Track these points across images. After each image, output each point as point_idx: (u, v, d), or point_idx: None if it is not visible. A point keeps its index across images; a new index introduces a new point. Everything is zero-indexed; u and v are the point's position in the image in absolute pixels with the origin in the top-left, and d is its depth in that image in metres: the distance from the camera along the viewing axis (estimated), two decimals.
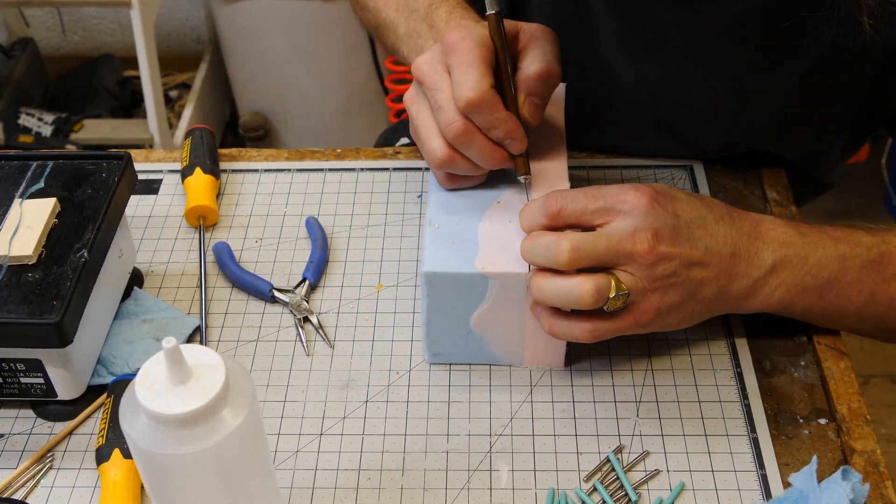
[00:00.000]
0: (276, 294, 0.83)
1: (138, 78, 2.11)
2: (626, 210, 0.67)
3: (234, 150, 0.99)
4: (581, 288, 0.66)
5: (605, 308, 0.67)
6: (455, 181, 0.77)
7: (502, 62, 0.73)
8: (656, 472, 0.70)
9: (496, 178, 0.78)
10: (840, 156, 1.00)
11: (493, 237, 0.73)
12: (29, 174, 0.79)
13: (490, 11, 0.73)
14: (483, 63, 0.71)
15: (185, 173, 0.92)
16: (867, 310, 0.73)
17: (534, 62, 0.74)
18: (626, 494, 0.68)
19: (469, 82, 0.70)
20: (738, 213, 0.72)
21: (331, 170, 0.96)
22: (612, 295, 0.66)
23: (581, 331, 0.69)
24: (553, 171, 0.77)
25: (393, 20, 0.89)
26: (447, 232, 0.73)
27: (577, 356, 0.77)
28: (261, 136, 2.34)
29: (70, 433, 0.74)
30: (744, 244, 0.70)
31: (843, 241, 0.72)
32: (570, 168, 0.78)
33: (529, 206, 0.71)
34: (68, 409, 0.75)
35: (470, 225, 0.74)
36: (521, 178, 0.76)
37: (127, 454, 0.68)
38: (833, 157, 0.99)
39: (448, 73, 0.73)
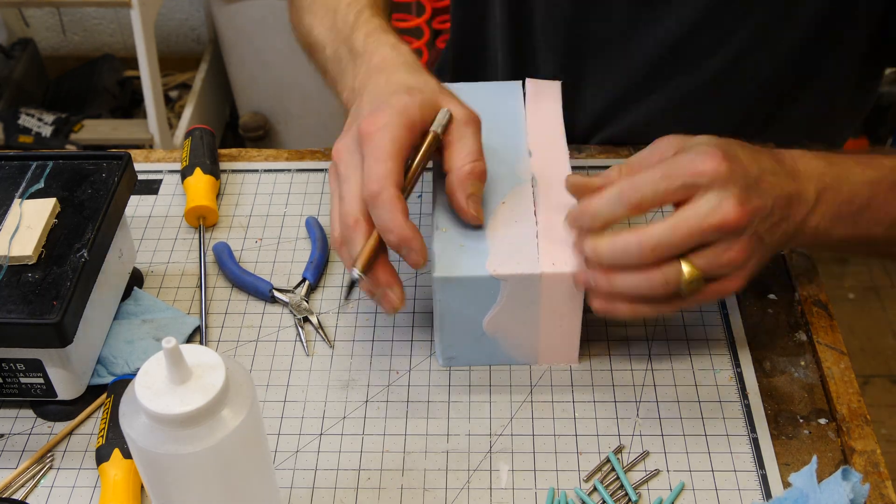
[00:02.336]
0: (276, 294, 0.83)
1: (138, 78, 2.11)
2: (706, 183, 0.65)
3: (234, 150, 0.99)
4: (652, 280, 0.66)
5: (681, 293, 0.66)
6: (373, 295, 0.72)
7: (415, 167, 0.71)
8: (656, 472, 0.70)
9: (498, 180, 0.77)
10: (851, 114, 1.02)
11: (502, 239, 0.72)
12: (29, 174, 0.79)
13: (432, 129, 0.72)
14: (392, 158, 0.69)
15: (185, 173, 0.92)
16: (894, 230, 0.73)
17: (464, 162, 0.72)
18: (626, 494, 0.68)
19: (372, 176, 0.68)
20: (778, 155, 0.71)
21: None
22: (685, 279, 0.65)
23: (668, 308, 0.69)
24: (556, 171, 0.77)
25: (322, 40, 0.87)
26: (455, 235, 0.73)
27: (578, 355, 0.77)
28: (261, 136, 2.34)
29: (70, 433, 0.74)
30: (793, 186, 0.69)
31: (868, 167, 0.72)
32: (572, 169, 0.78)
33: (602, 200, 0.68)
34: (68, 409, 0.75)
35: (477, 228, 0.74)
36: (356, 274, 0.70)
37: (127, 454, 0.68)
38: (843, 115, 1.01)
39: (361, 162, 0.71)
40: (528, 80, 0.86)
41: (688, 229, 0.64)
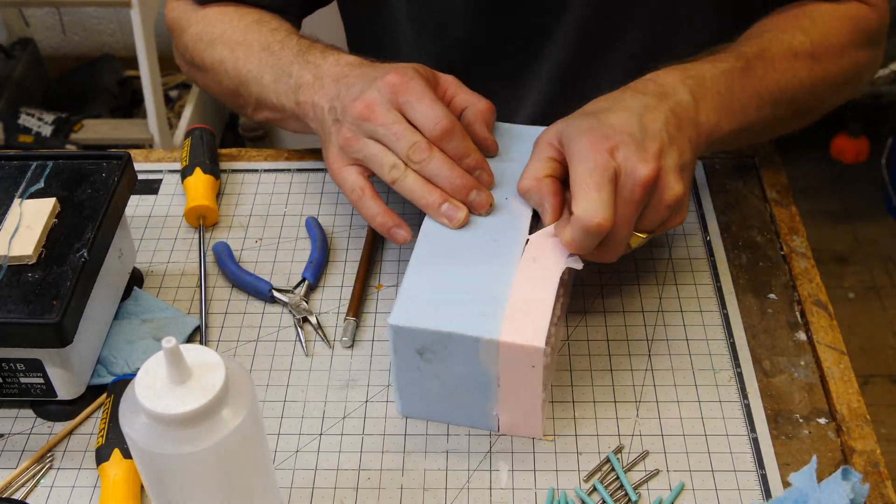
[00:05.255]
0: (276, 294, 0.83)
1: (138, 78, 2.11)
2: (615, 166, 0.68)
3: (234, 150, 0.99)
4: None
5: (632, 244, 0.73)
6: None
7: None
8: (656, 472, 0.70)
9: (493, 236, 0.74)
10: None
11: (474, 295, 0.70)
12: (29, 174, 0.79)
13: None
14: (439, 99, 0.75)
15: (185, 173, 0.92)
16: (763, 111, 0.80)
17: (477, 100, 0.79)
18: (626, 494, 0.68)
19: (438, 113, 0.74)
20: (640, 87, 0.75)
21: None
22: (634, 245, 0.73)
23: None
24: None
25: (257, 73, 0.89)
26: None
27: (577, 355, 0.77)
28: (261, 136, 2.34)
29: (70, 433, 0.74)
30: (669, 102, 0.73)
31: (717, 61, 0.79)
32: None
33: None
34: (68, 409, 0.75)
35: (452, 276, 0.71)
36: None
37: (127, 454, 0.68)
38: None
39: (399, 110, 0.75)
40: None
41: (627, 212, 0.69)
